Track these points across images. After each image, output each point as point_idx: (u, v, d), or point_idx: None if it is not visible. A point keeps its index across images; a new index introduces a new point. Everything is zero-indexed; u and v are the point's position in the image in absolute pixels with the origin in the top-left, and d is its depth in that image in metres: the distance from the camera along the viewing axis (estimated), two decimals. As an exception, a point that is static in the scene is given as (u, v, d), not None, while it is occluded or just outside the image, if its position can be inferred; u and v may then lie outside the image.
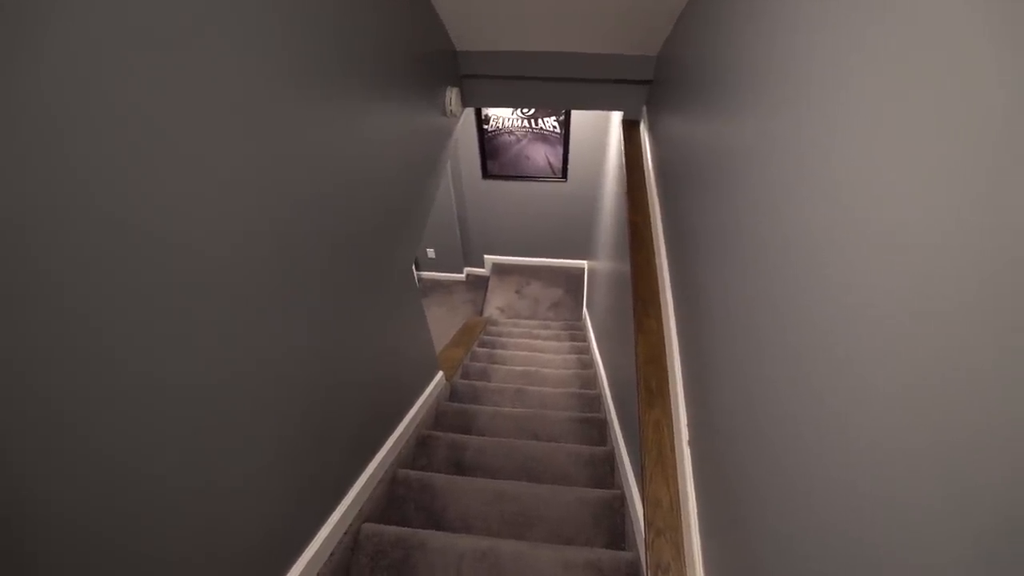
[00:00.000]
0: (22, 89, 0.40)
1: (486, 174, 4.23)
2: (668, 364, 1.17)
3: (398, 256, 1.48)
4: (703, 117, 1.07)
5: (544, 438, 1.99)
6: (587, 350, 3.27)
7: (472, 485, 1.55)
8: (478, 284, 4.79)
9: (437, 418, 2.07)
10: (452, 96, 1.88)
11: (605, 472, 1.73)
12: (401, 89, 1.34)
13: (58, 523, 0.51)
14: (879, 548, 0.39)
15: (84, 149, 0.46)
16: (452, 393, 2.34)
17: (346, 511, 1.23)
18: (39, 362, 0.45)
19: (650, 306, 1.32)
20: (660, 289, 1.34)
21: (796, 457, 0.53)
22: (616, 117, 2.58)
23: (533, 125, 3.89)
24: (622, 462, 1.55)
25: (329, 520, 1.17)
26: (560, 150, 4.00)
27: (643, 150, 1.97)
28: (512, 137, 3.98)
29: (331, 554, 1.18)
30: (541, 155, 4.06)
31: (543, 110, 3.78)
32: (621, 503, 1.48)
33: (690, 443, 0.97)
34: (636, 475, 1.33)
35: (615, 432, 1.77)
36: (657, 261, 1.43)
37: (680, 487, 0.97)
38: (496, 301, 4.51)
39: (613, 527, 1.45)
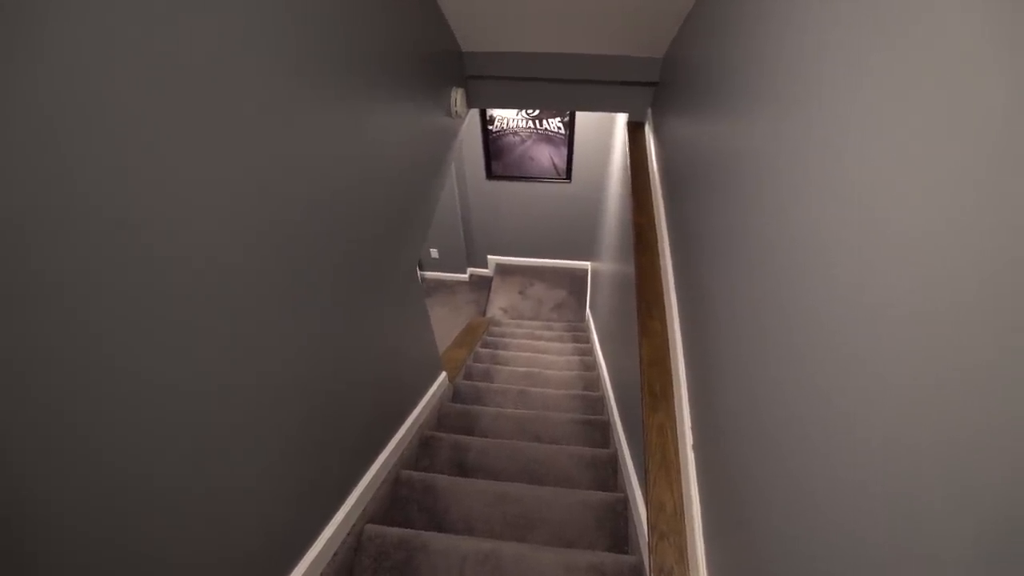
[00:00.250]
0: (22, 88, 0.40)
1: (490, 175, 4.23)
2: (672, 367, 1.16)
3: (403, 256, 1.48)
4: (710, 119, 1.06)
5: (547, 440, 1.99)
6: (590, 352, 3.26)
7: (474, 487, 1.55)
8: (481, 284, 4.79)
9: (440, 419, 2.06)
10: (457, 97, 1.88)
11: (608, 475, 1.73)
12: (407, 89, 1.34)
13: (57, 524, 0.51)
14: (884, 547, 0.39)
15: (88, 149, 0.46)
16: (455, 394, 2.34)
17: (349, 512, 1.23)
18: (39, 363, 0.45)
19: (654, 308, 1.31)
20: (664, 291, 1.34)
21: (802, 459, 0.53)
22: (621, 119, 2.57)
23: (537, 126, 3.90)
24: (625, 465, 1.55)
25: (332, 521, 1.17)
26: (564, 151, 4.00)
27: (648, 152, 1.96)
28: (516, 138, 3.99)
29: (334, 555, 1.17)
30: (545, 156, 4.06)
31: (548, 111, 3.78)
32: (624, 506, 1.47)
33: (694, 447, 0.96)
34: (639, 478, 1.32)
35: (618, 435, 1.77)
36: (661, 263, 1.42)
37: (684, 491, 0.96)
38: (499, 302, 4.51)
39: (616, 530, 1.45)
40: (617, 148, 2.77)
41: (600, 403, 2.32)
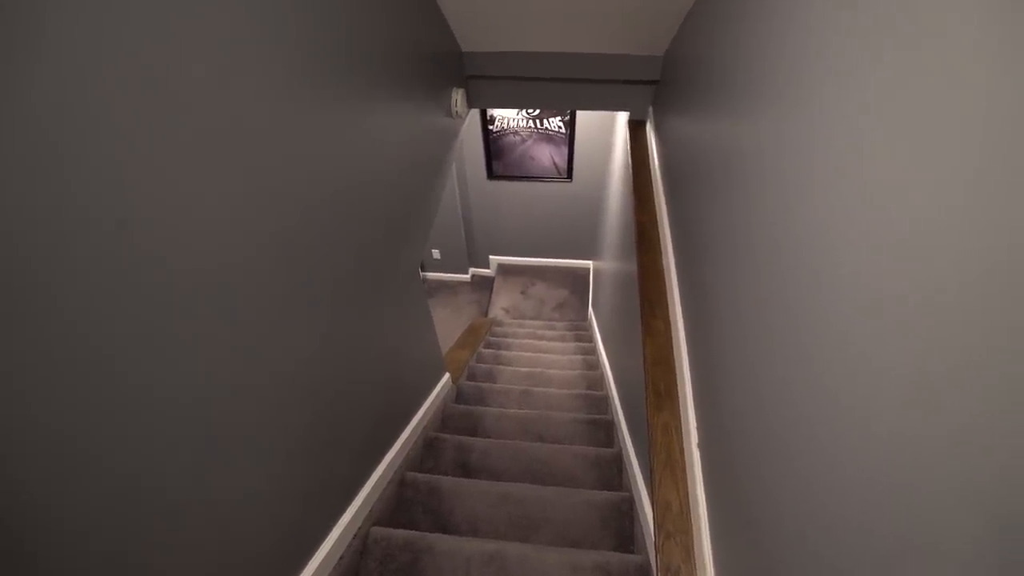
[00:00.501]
0: (20, 89, 0.39)
1: (491, 175, 4.23)
2: (676, 366, 1.16)
3: (404, 258, 1.48)
4: (712, 117, 1.06)
5: (550, 440, 1.99)
6: (593, 351, 3.26)
7: (477, 487, 1.55)
8: (483, 285, 4.79)
9: (444, 420, 2.07)
10: (458, 97, 1.88)
11: (612, 474, 1.73)
12: (407, 90, 1.34)
13: (58, 529, 0.50)
14: (888, 539, 0.40)
15: (88, 151, 0.45)
16: (458, 395, 2.34)
17: (355, 514, 1.23)
18: (40, 367, 0.45)
19: (657, 307, 1.31)
20: (667, 289, 1.33)
21: (810, 458, 0.52)
22: (622, 117, 2.57)
23: (538, 125, 3.89)
24: (630, 464, 1.55)
25: (339, 523, 1.17)
26: (565, 150, 3.99)
27: (649, 150, 1.96)
28: (517, 138, 3.98)
29: (340, 558, 1.18)
30: (546, 155, 4.06)
31: (548, 111, 3.78)
32: (629, 506, 1.47)
33: (699, 445, 0.96)
34: (644, 477, 1.32)
35: (623, 434, 1.76)
36: (664, 262, 1.42)
37: (690, 490, 0.96)
38: (501, 302, 4.51)
39: (621, 530, 1.44)
40: (618, 147, 2.77)
41: (604, 402, 2.31)
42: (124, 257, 0.51)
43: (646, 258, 1.46)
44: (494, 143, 4.04)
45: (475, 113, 3.78)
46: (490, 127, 3.95)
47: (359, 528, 1.27)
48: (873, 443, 0.42)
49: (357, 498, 1.26)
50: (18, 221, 0.41)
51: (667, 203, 1.53)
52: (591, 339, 3.53)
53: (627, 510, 1.47)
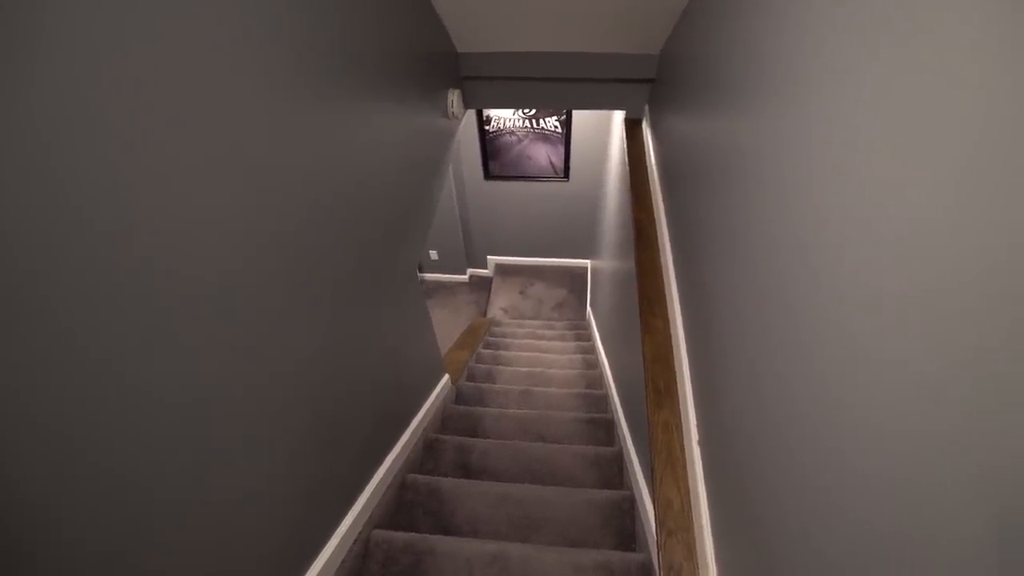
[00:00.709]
0: (17, 90, 0.39)
1: (488, 175, 4.23)
2: (676, 364, 1.16)
3: (402, 259, 1.47)
4: (709, 115, 1.06)
5: (550, 439, 1.99)
6: (592, 350, 3.26)
7: (478, 488, 1.54)
8: (481, 285, 4.78)
9: (444, 421, 2.06)
10: (454, 98, 1.88)
11: (613, 473, 1.73)
12: (403, 91, 1.34)
13: (57, 529, 0.50)
14: (889, 534, 0.40)
15: (84, 153, 0.45)
16: (458, 395, 2.34)
17: (356, 517, 1.23)
18: (38, 367, 0.45)
19: (656, 305, 1.31)
20: (666, 287, 1.34)
21: (812, 455, 0.53)
22: (618, 116, 2.57)
23: (534, 125, 3.89)
24: (631, 462, 1.55)
25: (340, 527, 1.16)
26: (562, 150, 3.99)
27: (646, 149, 1.96)
28: (513, 137, 3.98)
29: (342, 562, 1.17)
30: (543, 155, 4.06)
31: (544, 110, 3.78)
32: (631, 504, 1.47)
33: (700, 443, 0.96)
34: (645, 476, 1.32)
35: (623, 432, 1.76)
36: (662, 260, 1.42)
37: (691, 487, 0.96)
38: (500, 302, 4.51)
39: (622, 528, 1.45)
40: (614, 146, 2.77)
41: (604, 401, 2.31)
42: (123, 258, 0.51)
43: (644, 256, 1.46)
44: (491, 143, 4.04)
45: (471, 113, 3.77)
46: (486, 127, 3.95)
47: (360, 532, 1.27)
48: (873, 440, 0.42)
49: (359, 501, 1.25)
50: (18, 221, 0.41)
51: (664, 201, 1.53)
52: (590, 338, 3.53)
53: (628, 508, 1.47)
